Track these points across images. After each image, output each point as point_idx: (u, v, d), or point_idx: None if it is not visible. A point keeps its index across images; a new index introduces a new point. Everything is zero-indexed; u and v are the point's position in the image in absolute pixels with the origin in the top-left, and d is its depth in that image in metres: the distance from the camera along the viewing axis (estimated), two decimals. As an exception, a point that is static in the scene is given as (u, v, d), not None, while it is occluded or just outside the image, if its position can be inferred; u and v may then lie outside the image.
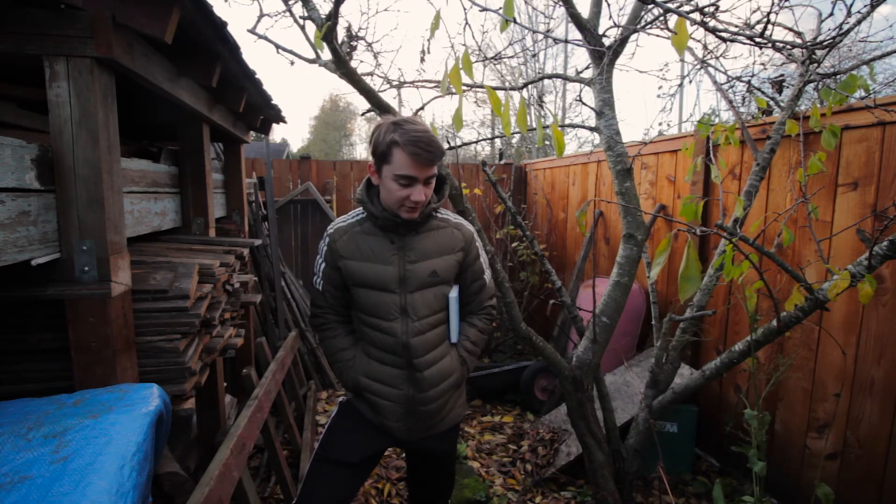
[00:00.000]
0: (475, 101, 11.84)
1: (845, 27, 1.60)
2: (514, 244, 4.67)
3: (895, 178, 1.89)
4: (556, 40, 1.94)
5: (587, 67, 2.24)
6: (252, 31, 1.90)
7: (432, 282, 1.37)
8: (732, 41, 1.42)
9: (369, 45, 2.23)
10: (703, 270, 2.07)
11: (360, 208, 1.42)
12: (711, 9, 1.41)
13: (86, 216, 1.24)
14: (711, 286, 2.07)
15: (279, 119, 2.97)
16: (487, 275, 1.52)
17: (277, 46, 1.92)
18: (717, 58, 2.17)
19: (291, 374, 2.87)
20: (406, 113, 1.51)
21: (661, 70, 2.40)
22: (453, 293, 1.43)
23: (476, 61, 1.80)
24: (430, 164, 1.26)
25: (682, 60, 2.41)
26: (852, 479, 2.04)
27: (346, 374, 1.43)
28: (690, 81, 2.42)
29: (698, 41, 2.21)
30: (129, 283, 1.37)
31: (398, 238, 1.36)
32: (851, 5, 1.59)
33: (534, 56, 9.95)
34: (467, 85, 1.86)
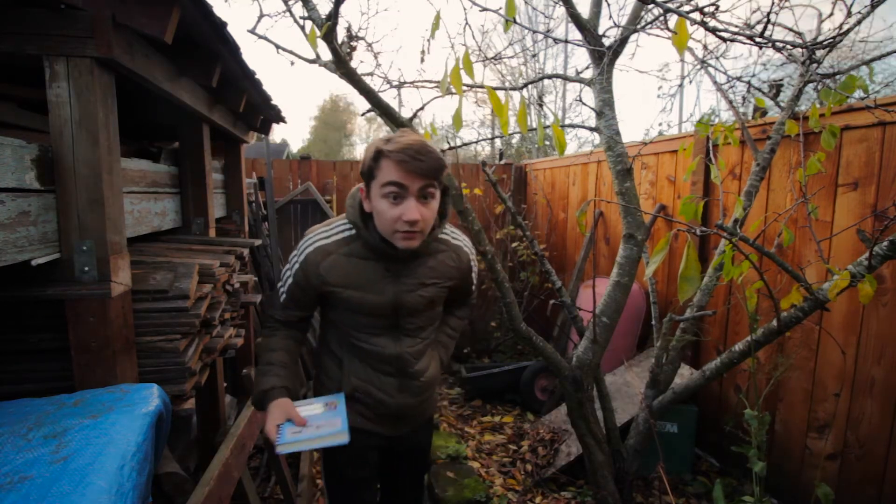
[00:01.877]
0: (475, 101, 11.84)
1: (845, 27, 1.60)
2: (514, 244, 4.67)
3: (895, 179, 1.89)
4: (556, 40, 1.94)
5: (587, 67, 2.24)
6: (252, 32, 1.90)
7: (427, 307, 1.32)
8: (732, 41, 1.42)
9: (369, 45, 2.23)
10: (703, 270, 2.06)
11: (344, 220, 1.26)
12: (711, 9, 1.41)
13: (86, 216, 1.24)
14: (711, 286, 2.07)
15: (279, 119, 2.97)
16: (475, 282, 1.50)
17: (277, 46, 1.92)
18: (717, 58, 2.17)
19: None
20: (406, 113, 1.50)
21: (661, 70, 2.40)
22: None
23: (476, 61, 1.80)
24: (422, 173, 1.07)
25: (682, 60, 2.41)
26: (852, 479, 2.04)
27: (265, 380, 1.25)
28: (690, 81, 2.42)
29: (698, 41, 2.21)
30: (129, 283, 1.37)
31: (393, 265, 1.23)
32: (851, 5, 1.59)
33: (534, 56, 9.95)
34: (467, 85, 1.86)
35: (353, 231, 1.24)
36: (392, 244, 1.17)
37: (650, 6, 1.82)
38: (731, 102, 2.33)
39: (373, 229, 1.19)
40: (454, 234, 1.35)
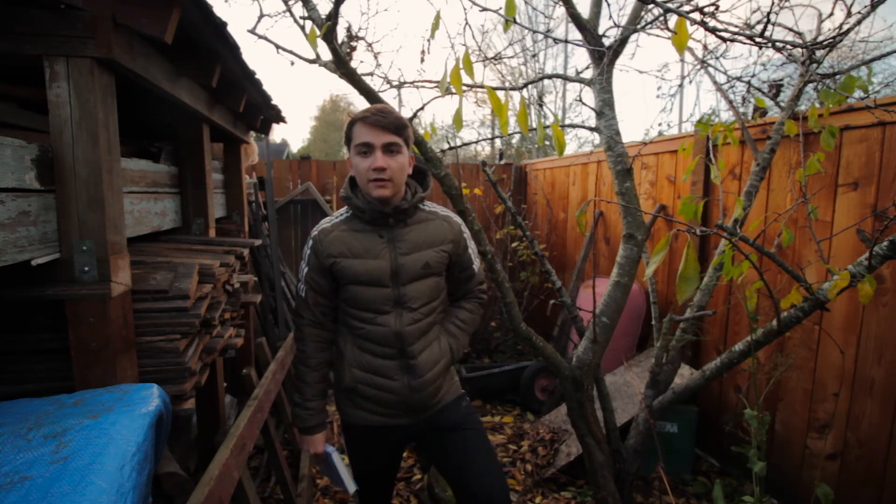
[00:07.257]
0: (475, 101, 11.85)
1: (845, 27, 1.60)
2: (514, 244, 4.67)
3: (895, 179, 1.89)
4: (556, 40, 1.94)
5: (587, 67, 2.24)
6: (252, 32, 1.90)
7: (425, 273, 1.37)
8: (732, 41, 1.42)
9: (369, 45, 2.23)
10: (703, 270, 2.06)
11: (344, 209, 1.44)
12: (711, 9, 1.41)
13: (86, 216, 1.24)
14: (711, 286, 2.07)
15: (279, 119, 2.97)
16: (476, 264, 1.53)
17: (277, 46, 1.92)
18: (717, 58, 2.17)
19: (291, 374, 2.87)
20: (406, 113, 1.51)
21: (661, 70, 2.40)
22: (330, 449, 1.46)
23: (476, 61, 1.80)
24: (384, 127, 1.27)
25: (682, 60, 2.41)
26: (852, 479, 2.04)
27: (307, 417, 1.44)
28: (690, 81, 2.43)
29: (698, 41, 2.21)
30: (129, 283, 1.37)
31: (387, 231, 1.36)
32: (851, 5, 1.59)
33: (534, 56, 9.96)
34: (467, 85, 1.86)
35: (350, 212, 1.40)
36: (377, 206, 1.32)
37: (650, 6, 1.82)
38: (731, 102, 2.33)
39: (361, 196, 1.36)
40: (442, 209, 1.49)
